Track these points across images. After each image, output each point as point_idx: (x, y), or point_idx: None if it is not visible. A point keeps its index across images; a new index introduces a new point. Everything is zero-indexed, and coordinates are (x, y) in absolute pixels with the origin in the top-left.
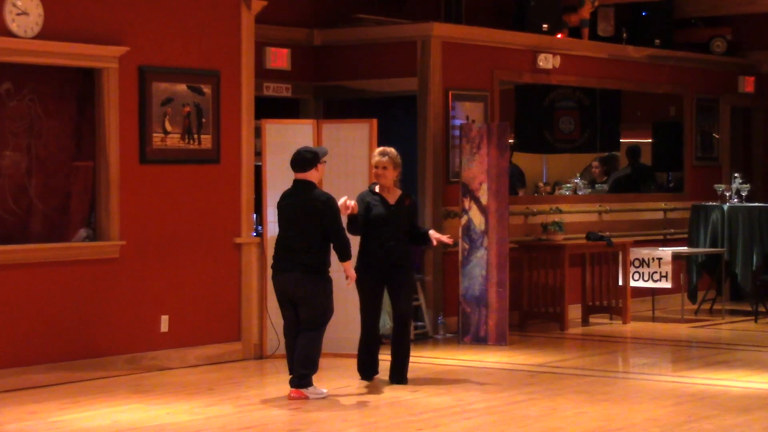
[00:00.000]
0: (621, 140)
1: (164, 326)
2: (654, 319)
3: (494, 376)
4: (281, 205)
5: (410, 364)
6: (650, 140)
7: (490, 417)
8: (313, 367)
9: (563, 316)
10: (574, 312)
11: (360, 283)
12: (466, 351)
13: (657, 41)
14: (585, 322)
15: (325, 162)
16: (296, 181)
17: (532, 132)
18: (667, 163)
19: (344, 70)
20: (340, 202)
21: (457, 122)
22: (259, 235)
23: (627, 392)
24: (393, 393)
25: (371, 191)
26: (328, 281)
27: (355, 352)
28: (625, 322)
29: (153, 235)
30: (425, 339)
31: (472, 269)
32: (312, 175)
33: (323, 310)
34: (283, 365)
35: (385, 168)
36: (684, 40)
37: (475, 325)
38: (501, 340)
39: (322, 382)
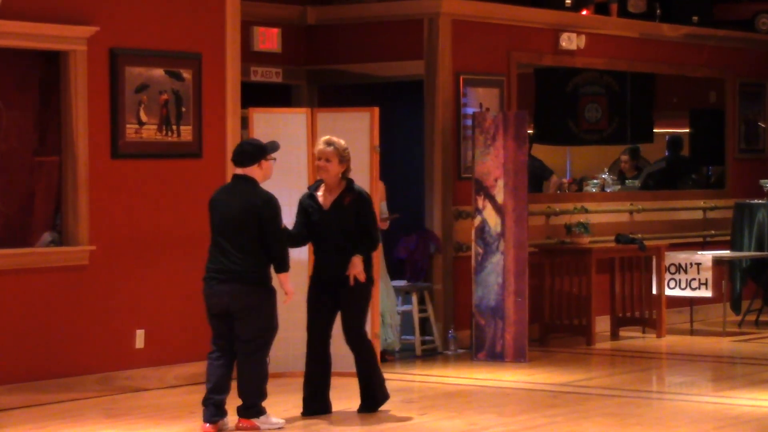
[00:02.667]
0: (655, 130)
1: (140, 342)
2: (692, 332)
3: (512, 397)
4: (214, 203)
5: (418, 384)
6: (688, 130)
7: None
8: (262, 396)
9: (590, 329)
10: (602, 324)
11: (307, 298)
12: (480, 369)
13: (695, 18)
14: (614, 335)
15: (273, 159)
16: (234, 177)
17: (554, 121)
18: (707, 155)
19: (342, 53)
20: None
21: (470, 110)
22: None
23: (662, 415)
24: (399, 416)
25: (311, 193)
26: (271, 292)
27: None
28: (659, 336)
29: (127, 239)
30: (434, 355)
31: (487, 276)
32: (254, 172)
33: (266, 327)
34: (275, 385)
35: (328, 160)
36: (725, 16)
37: (490, 339)
38: (519, 357)
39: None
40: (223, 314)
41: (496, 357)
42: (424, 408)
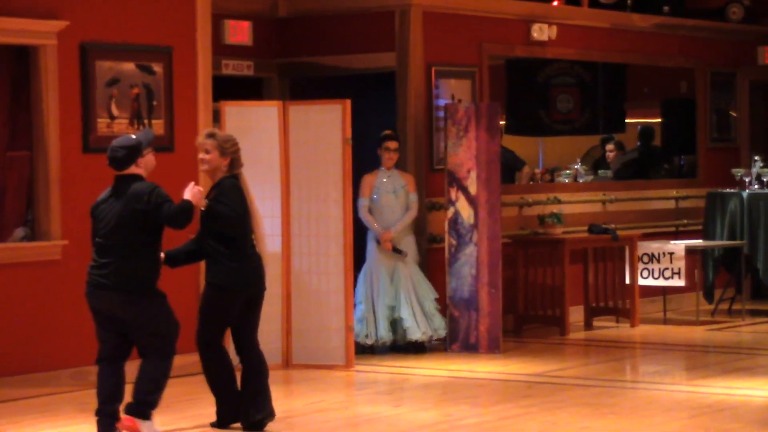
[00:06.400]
0: (626, 120)
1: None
2: (665, 322)
3: (486, 388)
4: (95, 211)
5: (392, 376)
6: (659, 119)
7: None
8: (158, 393)
9: (564, 320)
10: (576, 315)
11: None
12: (454, 360)
13: (666, 8)
14: (588, 325)
15: (150, 151)
16: (116, 180)
17: (526, 112)
18: (679, 145)
19: (313, 45)
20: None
21: (441, 102)
22: None
23: (636, 404)
24: (373, 409)
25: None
26: (160, 296)
27: (335, 362)
28: (633, 325)
29: None
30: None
31: (461, 268)
32: (135, 171)
33: (157, 331)
34: None
35: (207, 152)
36: (696, 6)
37: (464, 330)
38: (494, 348)
39: (294, 396)
40: (106, 321)
41: (470, 348)
42: (398, 399)
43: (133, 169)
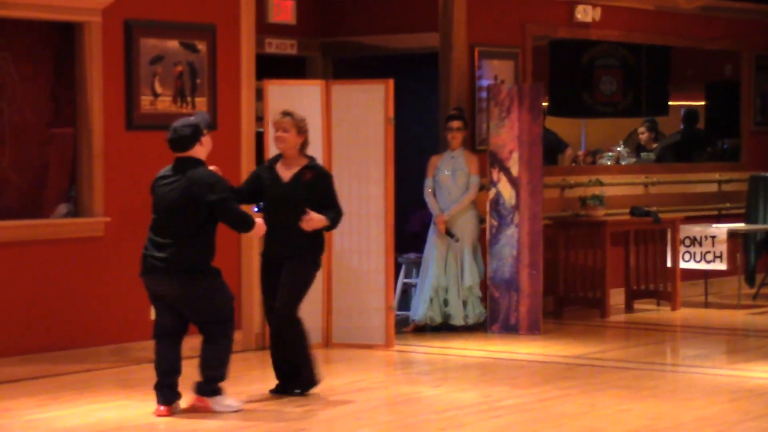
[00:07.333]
0: (670, 103)
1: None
2: (707, 305)
3: (526, 370)
4: (156, 189)
5: (432, 356)
6: (703, 102)
7: (521, 415)
8: (223, 368)
9: (604, 302)
10: (617, 297)
11: (260, 272)
12: (494, 341)
13: None
14: (629, 308)
15: (207, 132)
16: (178, 161)
17: (568, 94)
18: (722, 128)
19: (356, 24)
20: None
21: (484, 83)
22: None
23: (676, 387)
24: (412, 389)
25: (270, 166)
26: (213, 276)
27: (376, 342)
28: (674, 309)
29: (141, 210)
30: (448, 327)
31: (502, 249)
32: (197, 152)
33: (214, 310)
34: None
35: (285, 130)
36: None
37: (504, 312)
38: (534, 329)
39: (334, 375)
40: (161, 301)
41: (510, 329)
42: (437, 380)
43: (195, 151)
